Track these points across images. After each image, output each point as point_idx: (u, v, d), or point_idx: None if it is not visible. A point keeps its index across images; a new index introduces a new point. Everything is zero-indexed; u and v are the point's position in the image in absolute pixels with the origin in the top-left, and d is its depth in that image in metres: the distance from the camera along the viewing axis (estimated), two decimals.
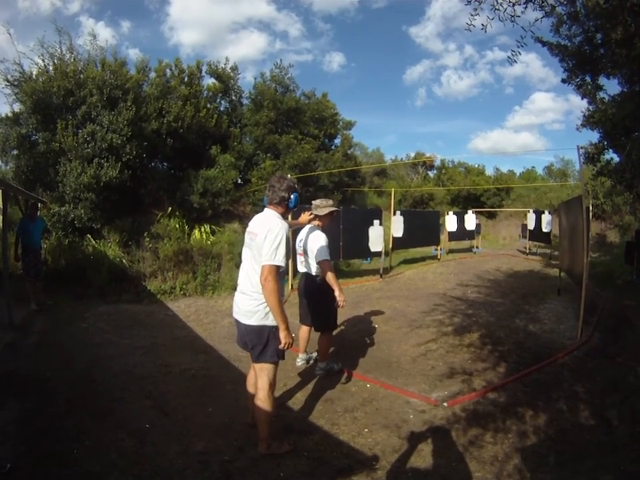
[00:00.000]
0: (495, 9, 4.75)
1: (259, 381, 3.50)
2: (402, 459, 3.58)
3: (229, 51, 75.96)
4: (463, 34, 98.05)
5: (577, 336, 6.78)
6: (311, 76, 74.59)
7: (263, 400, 3.43)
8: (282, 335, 3.29)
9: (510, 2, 4.75)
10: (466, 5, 4.83)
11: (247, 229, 3.62)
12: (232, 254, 10.96)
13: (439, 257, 17.29)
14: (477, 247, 21.24)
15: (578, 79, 10.43)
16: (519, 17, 4.81)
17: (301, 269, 5.49)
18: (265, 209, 3.59)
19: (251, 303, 3.42)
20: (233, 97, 19.24)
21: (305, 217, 4.61)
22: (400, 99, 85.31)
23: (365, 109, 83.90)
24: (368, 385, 5.10)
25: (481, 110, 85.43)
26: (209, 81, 18.36)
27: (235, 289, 3.66)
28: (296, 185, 3.63)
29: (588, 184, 19.39)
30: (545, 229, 18.05)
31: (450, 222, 18.99)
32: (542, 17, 5.26)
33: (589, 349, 6.38)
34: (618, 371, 5.54)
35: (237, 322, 3.60)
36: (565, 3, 5.44)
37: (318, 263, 5.04)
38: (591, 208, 13.89)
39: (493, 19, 4.81)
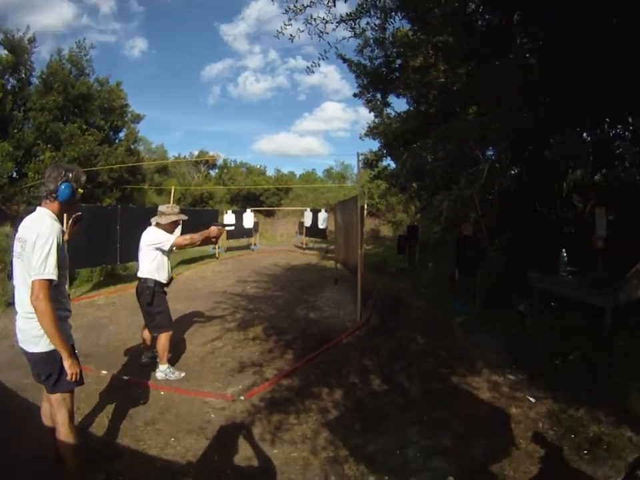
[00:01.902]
0: (308, 22, 5.17)
1: (57, 414, 2.96)
2: (216, 458, 3.65)
3: (32, 19, 64.11)
4: (271, 38, 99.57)
5: (357, 318, 7.56)
6: (109, 59, 67.38)
7: (65, 434, 2.94)
8: (66, 364, 2.79)
9: (323, 19, 5.19)
10: (283, 13, 5.13)
11: (17, 235, 2.95)
12: (4, 263, 9.44)
13: (217, 255, 17.53)
14: (254, 244, 21.72)
15: (369, 95, 11.74)
16: (327, 33, 5.31)
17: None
18: (38, 208, 2.96)
19: (35, 326, 2.78)
20: (23, 74, 16.64)
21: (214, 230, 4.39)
22: (193, 96, 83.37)
23: (156, 102, 79.06)
24: (162, 393, 4.94)
25: (272, 113, 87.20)
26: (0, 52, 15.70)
27: (8, 304, 3.14)
28: (71, 174, 2.97)
29: (364, 186, 21.47)
30: (321, 225, 19.73)
31: (228, 220, 19.08)
32: (350, 37, 5.80)
33: (369, 328, 7.21)
34: (399, 343, 6.38)
35: (24, 352, 2.95)
36: (377, 29, 6.12)
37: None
38: (366, 207, 15.52)
39: (303, 31, 5.21)
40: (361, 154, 11.02)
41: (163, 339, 5.23)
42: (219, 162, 39.61)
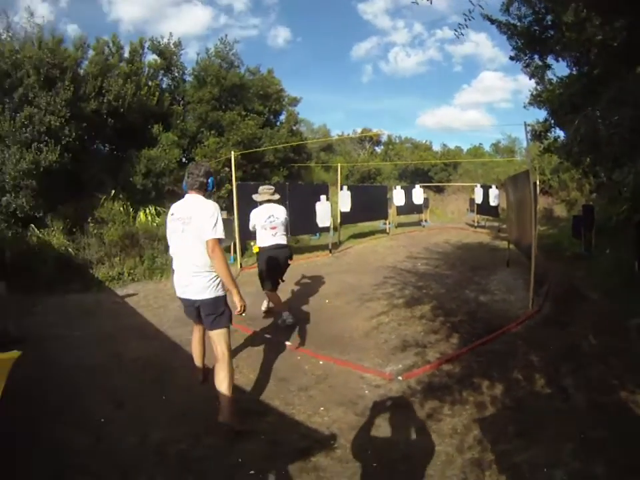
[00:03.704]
0: None
1: (217, 347, 3.73)
2: (360, 435, 3.57)
3: (170, 27, 70.46)
4: (412, 11, 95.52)
5: (529, 306, 6.89)
6: (256, 51, 70.49)
7: (223, 363, 3.71)
8: (235, 299, 3.63)
9: None
10: None
11: (173, 216, 3.84)
12: None
13: (387, 230, 17.36)
14: (425, 221, 21.17)
15: (526, 58, 10.60)
16: None
17: (272, 241, 6.03)
18: (187, 195, 3.86)
19: (203, 279, 3.68)
20: (176, 74, 18.20)
21: None
22: (346, 76, 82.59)
23: (311, 86, 79.93)
24: (321, 362, 5.05)
25: (429, 87, 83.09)
26: (150, 58, 17.23)
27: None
28: (211, 170, 4.03)
29: (535, 160, 19.81)
30: (492, 202, 18.39)
31: (397, 196, 18.92)
32: None
33: (541, 319, 6.54)
34: (571, 340, 5.64)
35: (189, 300, 3.85)
36: None
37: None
38: (538, 183, 14.28)
39: None
40: (528, 124, 10.10)
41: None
42: (383, 138, 38.84)
